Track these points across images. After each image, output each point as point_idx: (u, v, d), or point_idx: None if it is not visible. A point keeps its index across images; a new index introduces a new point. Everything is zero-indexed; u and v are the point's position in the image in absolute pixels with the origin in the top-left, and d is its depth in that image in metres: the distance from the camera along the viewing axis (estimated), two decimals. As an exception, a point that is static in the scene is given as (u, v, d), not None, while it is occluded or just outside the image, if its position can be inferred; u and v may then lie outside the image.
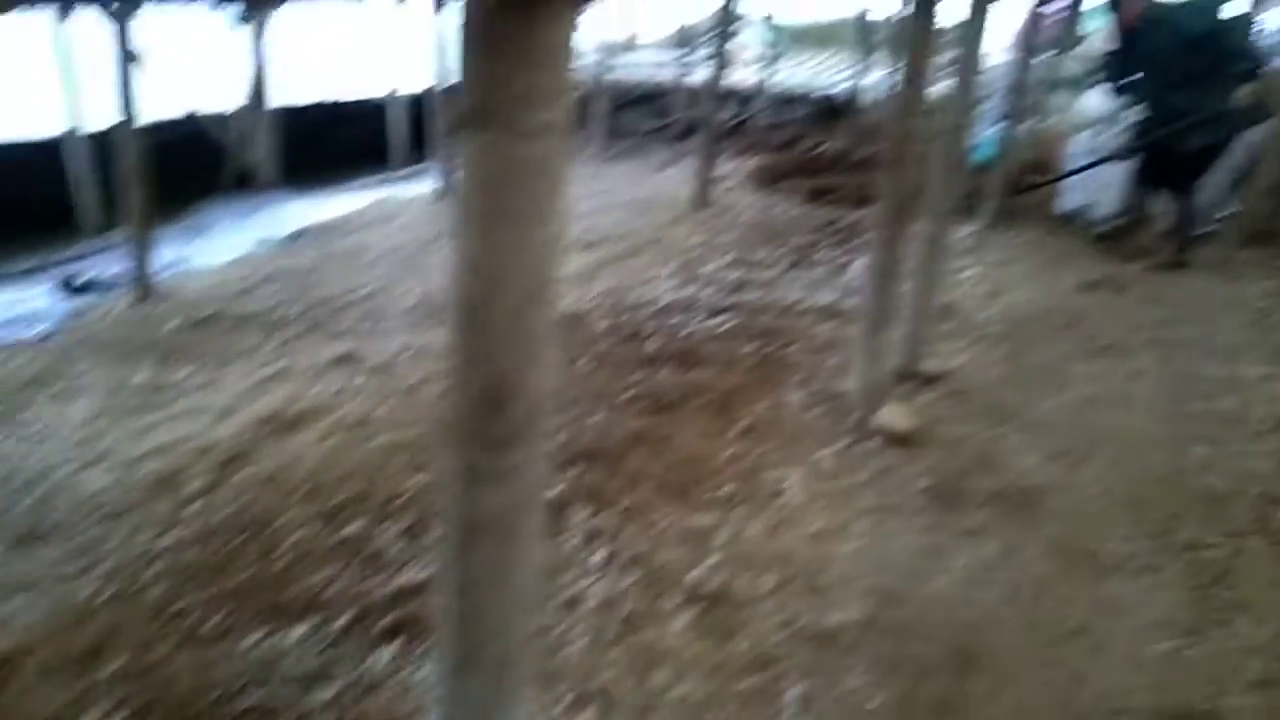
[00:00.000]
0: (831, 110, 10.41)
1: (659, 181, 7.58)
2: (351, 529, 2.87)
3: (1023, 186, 6.36)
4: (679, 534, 2.79)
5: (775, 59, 11.42)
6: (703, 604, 2.53)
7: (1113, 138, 6.06)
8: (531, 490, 1.09)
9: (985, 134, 7.42)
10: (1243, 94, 5.16)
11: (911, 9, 3.02)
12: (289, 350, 4.29)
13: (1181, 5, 5.46)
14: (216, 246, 6.64)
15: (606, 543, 2.70)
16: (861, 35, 9.61)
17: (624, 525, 2.78)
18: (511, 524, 1.07)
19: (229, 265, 6.00)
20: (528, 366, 1.03)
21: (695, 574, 2.62)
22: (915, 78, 3.06)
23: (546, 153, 0.95)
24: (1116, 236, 5.87)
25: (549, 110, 0.93)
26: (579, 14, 0.93)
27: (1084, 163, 6.20)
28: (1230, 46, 5.14)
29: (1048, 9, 6.69)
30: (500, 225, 0.96)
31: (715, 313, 4.57)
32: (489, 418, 1.03)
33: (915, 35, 2.94)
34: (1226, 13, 5.52)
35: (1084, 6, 9.13)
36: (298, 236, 6.79)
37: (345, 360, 4.09)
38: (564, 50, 0.93)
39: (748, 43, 12.54)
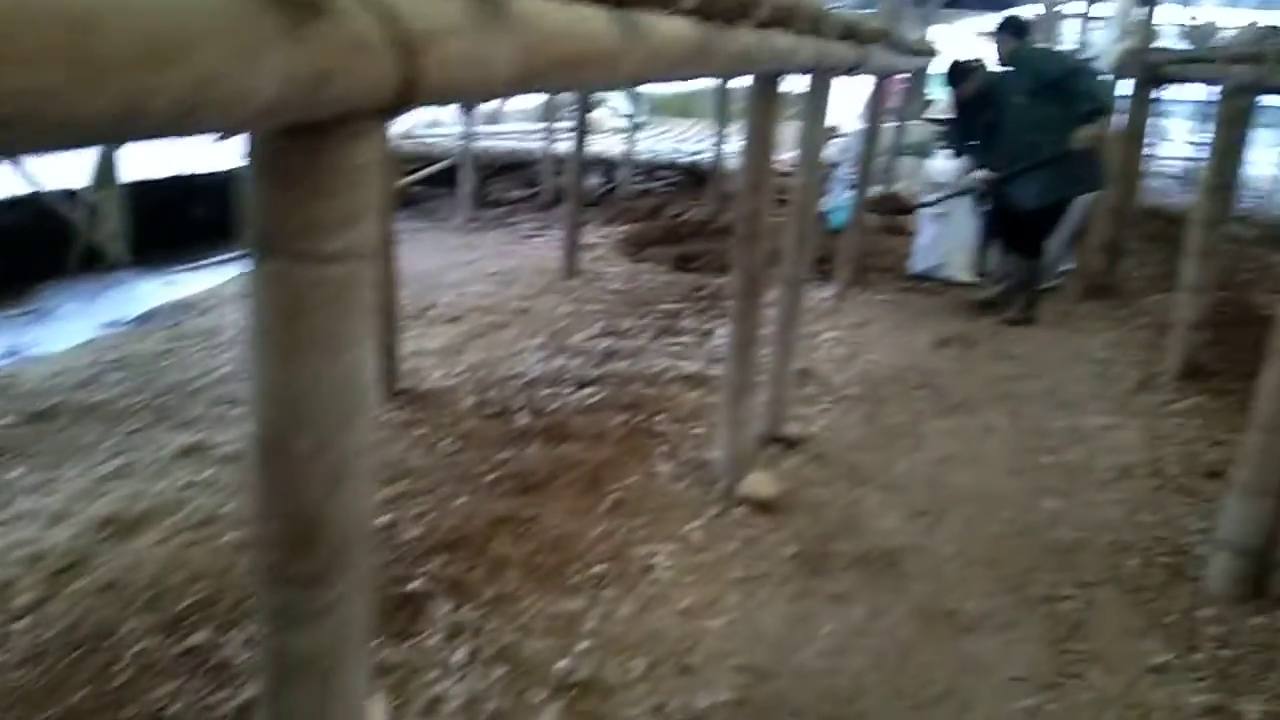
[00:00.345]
0: (695, 177, 10.64)
1: (527, 251, 7.57)
2: (197, 638, 2.70)
3: (910, 207, 6.61)
4: (547, 621, 2.72)
5: (639, 127, 11.64)
6: (571, 694, 2.46)
7: (959, 196, 6.40)
8: (349, 629, 1.03)
9: (838, 199, 7.72)
10: (1081, 135, 5.47)
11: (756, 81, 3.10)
12: (133, 443, 4.05)
13: (1035, 51, 5.83)
14: (60, 332, 6.28)
15: (470, 638, 2.61)
16: (720, 104, 9.90)
17: (488, 617, 2.70)
18: (328, 666, 1.01)
19: (72, 352, 5.66)
20: (337, 499, 0.97)
21: (563, 663, 2.55)
22: (761, 148, 3.14)
23: (344, 279, 0.91)
24: (992, 302, 6.09)
25: (344, 237, 0.90)
26: (377, 137, 0.90)
27: (941, 197, 6.49)
28: (1078, 89, 5.46)
29: (892, 79, 7.02)
30: (296, 355, 0.92)
31: (584, 384, 4.55)
32: (297, 555, 0.98)
33: (756, 106, 3.02)
34: (1073, 58, 5.95)
35: (927, 75, 9.66)
36: (148, 318, 6.48)
37: (193, 451, 3.89)
38: (362, 174, 0.90)
39: (612, 111, 12.78)
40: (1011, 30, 5.90)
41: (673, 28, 1.55)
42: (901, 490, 3.72)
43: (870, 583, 3.09)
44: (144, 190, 8.78)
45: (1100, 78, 5.70)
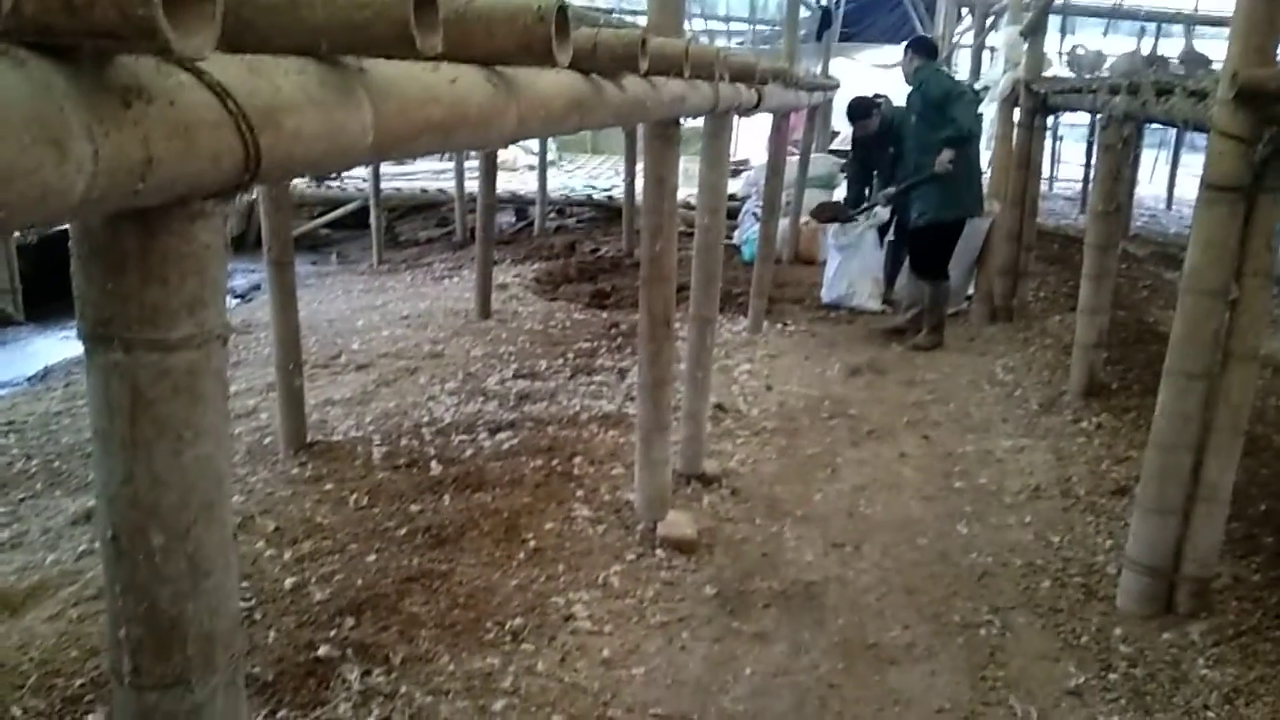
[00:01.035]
0: (608, 213, 10.67)
1: (439, 293, 7.47)
2: (96, 717, 2.56)
3: (841, 216, 6.71)
4: (462, 682, 2.64)
5: (550, 165, 11.64)
6: (489, 757, 2.39)
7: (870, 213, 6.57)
8: (220, 728, 0.97)
9: (749, 232, 7.81)
10: (937, 160, 5.66)
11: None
12: (24, 512, 3.86)
13: (931, 73, 6.00)
14: (-55, 396, 5.98)
15: (382, 704, 2.51)
16: (630, 140, 9.96)
17: (401, 680, 2.61)
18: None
19: (-41, 416, 5.40)
20: (197, 597, 0.92)
21: (479, 724, 2.48)
22: (662, 191, 3.14)
23: (191, 367, 0.86)
24: (902, 329, 6.22)
25: (188, 322, 0.85)
26: (215, 222, 0.85)
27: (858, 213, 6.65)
28: (947, 114, 5.64)
29: (793, 116, 7.15)
30: (144, 449, 0.86)
31: (499, 429, 4.48)
32: (157, 657, 0.91)
33: (654, 150, 3.02)
34: (955, 83, 6.16)
35: (829, 109, 9.85)
36: (43, 377, 6.22)
37: (89, 518, 3.72)
38: (206, 255, 0.85)
39: (524, 149, 12.77)
40: (919, 49, 6.07)
41: (552, 83, 1.53)
42: (819, 522, 3.73)
43: (791, 619, 3.08)
44: (37, 245, 8.46)
45: (973, 104, 5.89)
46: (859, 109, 6.74)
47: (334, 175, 10.75)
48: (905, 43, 6.25)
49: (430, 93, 1.13)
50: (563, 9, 1.28)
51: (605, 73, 1.79)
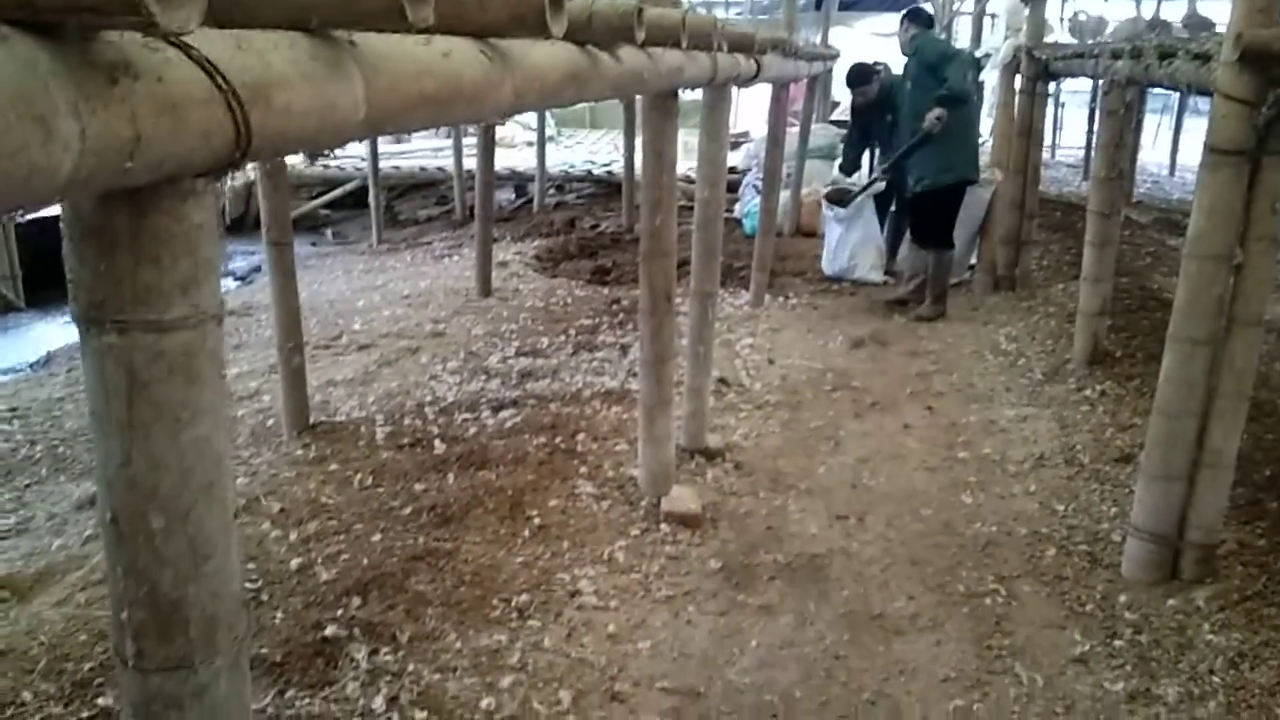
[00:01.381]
0: (608, 188, 10.62)
1: (439, 271, 7.45)
2: (104, 701, 2.57)
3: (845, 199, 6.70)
4: (470, 658, 2.65)
5: (549, 140, 11.58)
6: (497, 733, 2.40)
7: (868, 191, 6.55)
8: (227, 710, 0.97)
9: (750, 205, 7.77)
10: (926, 119, 5.63)
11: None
12: (29, 497, 3.87)
13: (927, 39, 5.98)
14: (-52, 382, 5.98)
15: (390, 682, 2.52)
16: (629, 114, 9.90)
17: (408, 659, 2.62)
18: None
19: (-38, 403, 5.41)
20: (199, 579, 0.91)
21: (488, 701, 2.49)
22: (661, 165, 3.12)
23: (186, 347, 0.85)
24: (905, 300, 6.21)
25: (183, 303, 0.84)
26: (207, 200, 0.84)
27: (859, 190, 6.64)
28: (941, 76, 5.61)
29: (793, 85, 7.10)
30: (141, 431, 0.86)
31: (501, 407, 4.48)
32: (160, 640, 0.91)
33: (652, 123, 3.00)
34: (952, 48, 6.13)
35: (829, 78, 9.78)
36: (45, 362, 6.22)
37: (95, 502, 3.73)
38: (198, 234, 0.84)
39: (522, 125, 12.70)
40: (915, 19, 6.04)
41: (547, 54, 1.51)
42: (823, 494, 3.74)
43: (796, 591, 3.09)
44: (37, 229, 8.43)
45: (967, 66, 5.84)
46: (859, 75, 6.70)
47: (330, 154, 10.71)
48: (902, 14, 6.20)
49: (423, 66, 1.11)
50: (556, -21, 1.26)
51: (601, 44, 1.77)
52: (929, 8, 10.34)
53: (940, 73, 5.61)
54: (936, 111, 5.57)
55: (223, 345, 0.93)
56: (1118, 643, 2.82)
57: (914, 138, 5.77)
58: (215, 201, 0.87)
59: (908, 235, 6.37)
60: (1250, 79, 2.66)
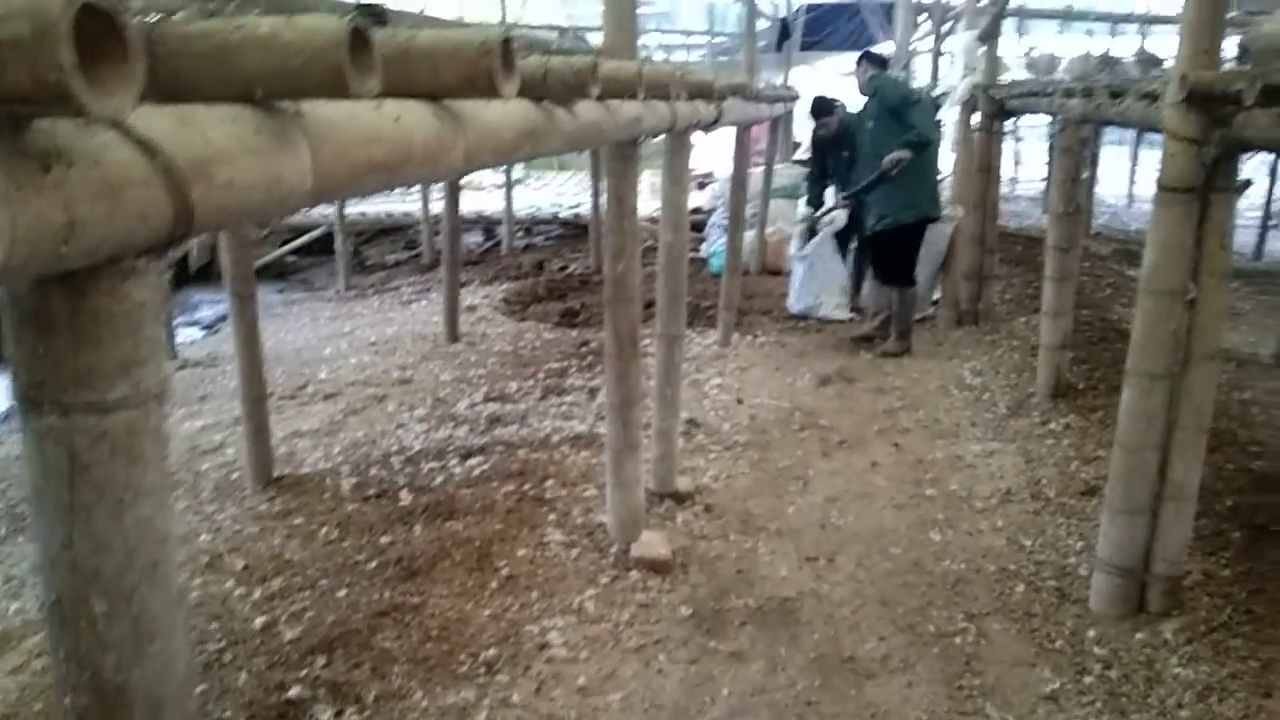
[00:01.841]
0: (576, 230, 10.66)
1: (407, 317, 7.43)
2: (60, 771, 2.51)
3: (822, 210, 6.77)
4: (437, 717, 2.61)
5: (517, 183, 11.63)
6: (466, 792, 2.36)
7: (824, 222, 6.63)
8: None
9: (717, 245, 7.83)
10: (887, 159, 5.71)
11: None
12: (-14, 560, 3.79)
13: (886, 80, 6.07)
14: (-97, 440, 5.85)
15: (355, 742, 2.48)
16: (596, 156, 9.98)
17: (375, 719, 2.57)
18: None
19: (-83, 462, 5.29)
20: (144, 663, 0.89)
21: (456, 759, 2.45)
22: (623, 211, 3.14)
23: (128, 428, 0.84)
24: (871, 337, 6.26)
25: (124, 383, 0.83)
26: (147, 276, 0.84)
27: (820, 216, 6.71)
28: (906, 119, 5.69)
29: (755, 127, 7.18)
30: (83, 514, 0.84)
31: (469, 454, 4.45)
32: (104, 725, 0.89)
33: (614, 171, 3.02)
34: (914, 90, 6.23)
35: (791, 118, 9.90)
36: (3, 419, 6.11)
37: (53, 564, 3.66)
38: (140, 313, 0.83)
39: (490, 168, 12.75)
40: (873, 60, 6.15)
41: (501, 113, 1.52)
42: (793, 535, 3.73)
43: (767, 636, 3.07)
44: (-5, 282, 8.31)
45: (931, 110, 5.95)
46: (821, 107, 6.79)
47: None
48: (858, 55, 6.31)
49: (372, 132, 1.12)
50: (506, 41, 1.27)
51: (557, 100, 1.79)
52: (887, 47, 10.54)
53: (905, 117, 5.70)
54: (898, 154, 5.66)
55: (167, 423, 0.92)
56: (1087, 679, 2.83)
57: (873, 175, 5.84)
58: (158, 279, 0.86)
59: (870, 272, 6.43)
60: (1196, 119, 2.73)
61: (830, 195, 6.89)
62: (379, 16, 1.49)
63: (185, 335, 7.50)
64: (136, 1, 0.90)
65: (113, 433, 0.84)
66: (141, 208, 0.75)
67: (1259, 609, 3.11)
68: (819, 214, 6.77)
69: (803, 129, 8.21)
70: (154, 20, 0.87)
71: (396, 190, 11.30)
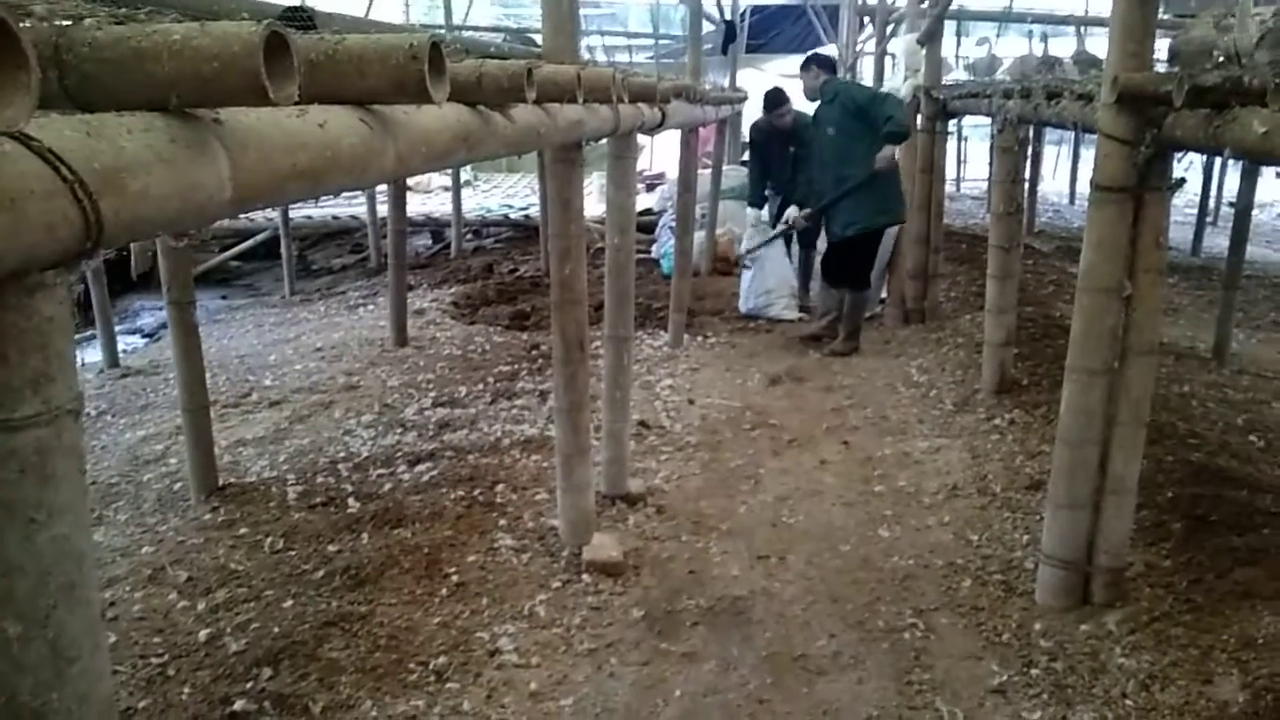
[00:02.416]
0: (526, 232, 10.61)
1: (353, 322, 7.33)
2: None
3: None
4: (385, 726, 2.58)
5: (465, 184, 11.56)
6: (415, 803, 2.33)
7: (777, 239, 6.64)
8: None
9: (667, 246, 7.84)
10: (881, 154, 5.75)
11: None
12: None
13: (843, 83, 6.12)
14: None
15: (301, 756, 2.44)
16: (543, 158, 9.96)
17: (321, 731, 2.54)
18: None
19: None
20: (62, 683, 0.87)
21: (405, 770, 2.42)
22: (568, 215, 3.12)
23: (40, 445, 0.82)
24: (819, 336, 6.31)
25: (35, 399, 0.80)
26: (57, 290, 0.81)
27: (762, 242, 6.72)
28: (882, 113, 5.71)
29: (703, 129, 7.20)
30: (-11, 534, 0.81)
31: (418, 460, 4.40)
32: (20, 751, 0.86)
33: (556, 174, 3.01)
34: (877, 89, 6.28)
35: (739, 120, 9.95)
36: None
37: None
38: (49, 327, 0.80)
39: (438, 171, 12.66)
40: (822, 64, 6.17)
41: (435, 117, 1.50)
42: (744, 535, 3.74)
43: (719, 636, 3.08)
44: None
45: (897, 101, 6.01)
46: (776, 98, 6.83)
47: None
48: (803, 60, 6.32)
49: (296, 139, 1.09)
50: (436, 46, 1.26)
51: (493, 104, 1.77)
52: (832, 50, 10.63)
53: (879, 111, 5.67)
54: (888, 150, 5.70)
55: (81, 439, 0.89)
56: (1034, 671, 2.87)
57: (844, 185, 5.84)
58: (68, 293, 0.84)
59: (817, 272, 6.47)
60: (1128, 120, 2.78)
61: (771, 194, 6.93)
62: (306, 20, 1.46)
63: (127, 343, 7.35)
64: (40, 8, 0.87)
65: (22, 451, 0.81)
66: (46, 219, 0.73)
67: (1199, 598, 3.17)
68: (779, 229, 6.76)
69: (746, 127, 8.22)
70: (62, 26, 0.85)
71: (342, 194, 11.19)
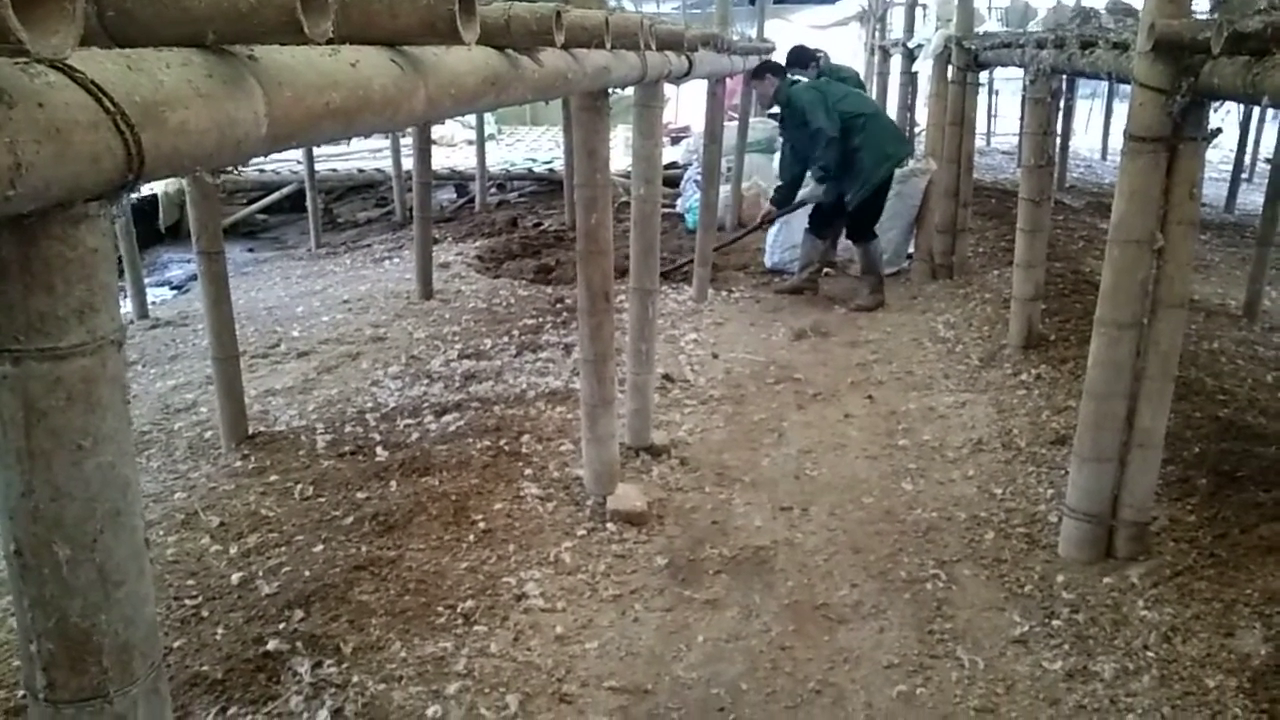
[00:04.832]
0: (550, 186, 10.58)
1: (379, 275, 7.37)
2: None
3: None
4: (415, 667, 2.64)
5: (489, 139, 11.51)
6: (444, 740, 2.39)
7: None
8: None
9: (691, 200, 7.79)
10: (814, 191, 5.94)
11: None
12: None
13: (803, 87, 6.12)
14: None
15: (334, 694, 2.50)
16: (569, 111, 9.88)
17: (352, 670, 2.59)
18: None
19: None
20: (110, 606, 0.90)
21: (434, 709, 2.47)
22: (594, 164, 3.12)
23: (85, 374, 0.84)
24: (799, 289, 6.35)
25: (80, 328, 0.82)
26: (100, 221, 0.83)
27: (777, 217, 6.67)
28: (813, 132, 5.86)
29: (729, 80, 7.11)
30: (41, 461, 0.84)
31: (444, 411, 4.44)
32: (71, 669, 0.89)
33: (583, 122, 3.00)
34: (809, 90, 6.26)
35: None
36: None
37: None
38: (93, 258, 0.82)
39: (461, 124, 12.61)
40: (775, 71, 6.33)
41: (464, 60, 1.50)
42: (767, 486, 3.77)
43: (741, 584, 3.11)
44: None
45: (820, 105, 6.01)
46: (799, 57, 6.77)
47: (266, 160, 10.53)
48: (755, 68, 6.34)
49: (328, 78, 1.10)
50: (466, -14, 1.26)
51: (521, 47, 1.77)
52: (858, 2, 10.41)
53: (812, 131, 5.90)
54: (813, 191, 5.99)
55: (124, 370, 0.92)
56: (1055, 622, 2.89)
57: (820, 189, 6.03)
58: (111, 224, 0.85)
59: (805, 227, 6.43)
60: (1164, 68, 2.73)
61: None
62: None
63: (155, 295, 7.42)
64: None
65: (68, 380, 0.83)
66: (90, 151, 0.75)
67: (1223, 553, 3.17)
68: (799, 200, 6.68)
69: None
70: (100, -40, 0.85)
71: (368, 146, 11.12)
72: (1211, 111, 2.88)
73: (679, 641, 2.82)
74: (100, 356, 0.85)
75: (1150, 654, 2.73)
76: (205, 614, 2.87)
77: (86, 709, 0.91)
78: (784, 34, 11.47)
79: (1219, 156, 11.56)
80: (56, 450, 0.84)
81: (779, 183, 6.64)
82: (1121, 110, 13.39)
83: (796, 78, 6.48)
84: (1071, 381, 4.55)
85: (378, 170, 10.64)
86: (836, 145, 5.79)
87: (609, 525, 3.41)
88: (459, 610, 2.89)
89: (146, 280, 7.04)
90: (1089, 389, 3.13)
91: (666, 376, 4.77)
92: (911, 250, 6.84)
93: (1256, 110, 8.93)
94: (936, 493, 3.71)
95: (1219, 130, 3.01)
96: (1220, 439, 3.83)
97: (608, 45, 2.21)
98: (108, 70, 0.78)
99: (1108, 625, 2.87)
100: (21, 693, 2.57)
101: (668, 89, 3.89)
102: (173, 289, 8.02)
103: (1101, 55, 3.57)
